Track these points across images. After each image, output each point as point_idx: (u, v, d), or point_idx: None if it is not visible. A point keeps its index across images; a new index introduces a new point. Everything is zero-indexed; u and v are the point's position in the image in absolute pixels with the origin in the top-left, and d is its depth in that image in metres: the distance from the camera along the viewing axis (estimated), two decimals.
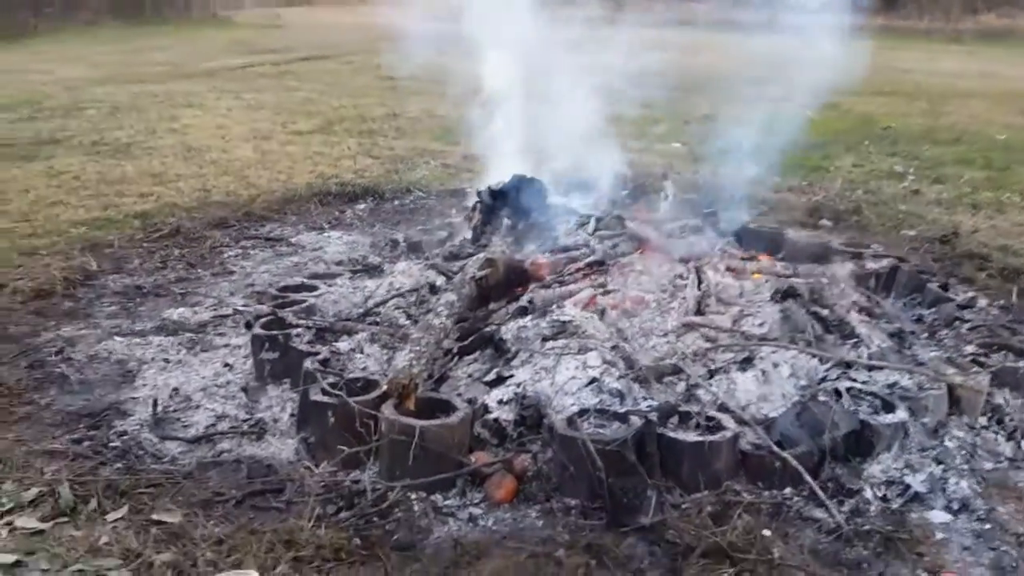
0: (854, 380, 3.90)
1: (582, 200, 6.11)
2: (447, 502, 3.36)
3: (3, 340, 4.79)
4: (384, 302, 4.72)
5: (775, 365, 4.00)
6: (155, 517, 3.20)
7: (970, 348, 4.39)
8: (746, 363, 4.01)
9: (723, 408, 3.68)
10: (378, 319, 4.58)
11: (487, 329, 4.28)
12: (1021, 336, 4.57)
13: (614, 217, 5.43)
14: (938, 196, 8.33)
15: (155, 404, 4.05)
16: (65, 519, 3.19)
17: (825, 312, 4.53)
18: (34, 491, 3.32)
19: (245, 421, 3.97)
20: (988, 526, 3.28)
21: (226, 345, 4.75)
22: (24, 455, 3.61)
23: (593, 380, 3.77)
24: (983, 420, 3.92)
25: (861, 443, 3.57)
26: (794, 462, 3.36)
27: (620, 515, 3.21)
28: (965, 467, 3.59)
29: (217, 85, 15.03)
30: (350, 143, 10.46)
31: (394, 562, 3.02)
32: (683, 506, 3.28)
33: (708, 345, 4.17)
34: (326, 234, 6.96)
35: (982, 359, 4.22)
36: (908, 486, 3.44)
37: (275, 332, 4.28)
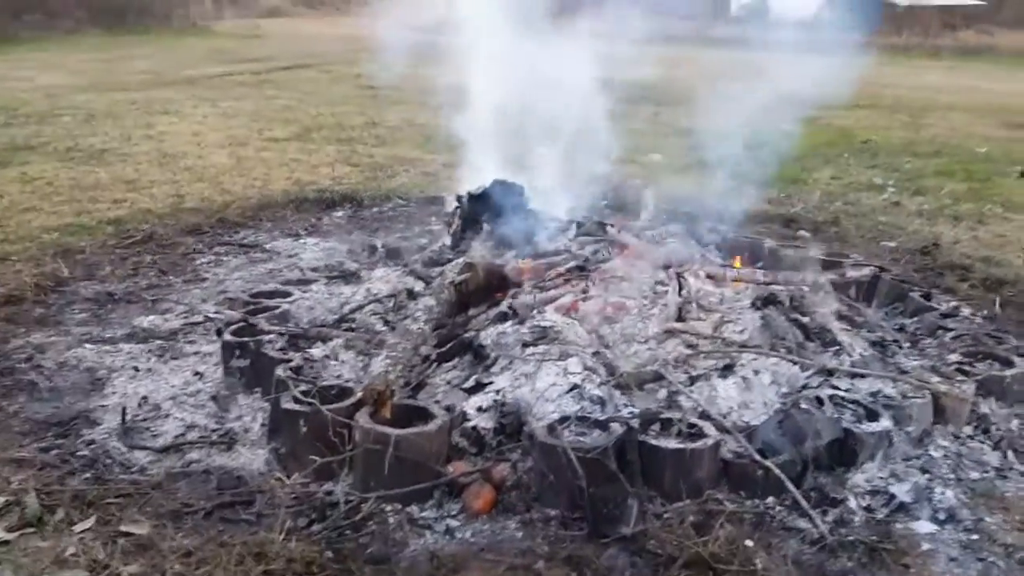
0: (836, 388, 3.85)
1: (562, 207, 6.06)
2: (423, 514, 3.27)
3: None
4: (360, 308, 4.65)
5: (756, 372, 3.95)
6: (123, 528, 3.12)
7: (954, 357, 4.36)
8: (727, 370, 3.96)
9: (705, 415, 3.62)
10: (354, 325, 4.50)
11: (466, 335, 4.21)
12: (1006, 345, 4.54)
13: (595, 223, 5.38)
14: (919, 208, 8.34)
15: (124, 413, 3.95)
16: (31, 530, 3.11)
17: (806, 319, 4.49)
18: (1, 500, 3.24)
19: (215, 431, 3.87)
20: (975, 536, 3.23)
21: (197, 353, 4.65)
22: None
23: (574, 387, 3.70)
24: (968, 429, 3.88)
25: (844, 452, 3.52)
26: (777, 471, 3.30)
27: (601, 525, 3.13)
28: (951, 477, 3.55)
29: (196, 93, 14.93)
30: (329, 150, 10.38)
31: None
32: (665, 515, 3.22)
33: (689, 351, 4.12)
34: (302, 241, 6.87)
35: (967, 368, 4.18)
36: (893, 496, 3.39)
37: (246, 339, 4.18)
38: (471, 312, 4.57)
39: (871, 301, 5.26)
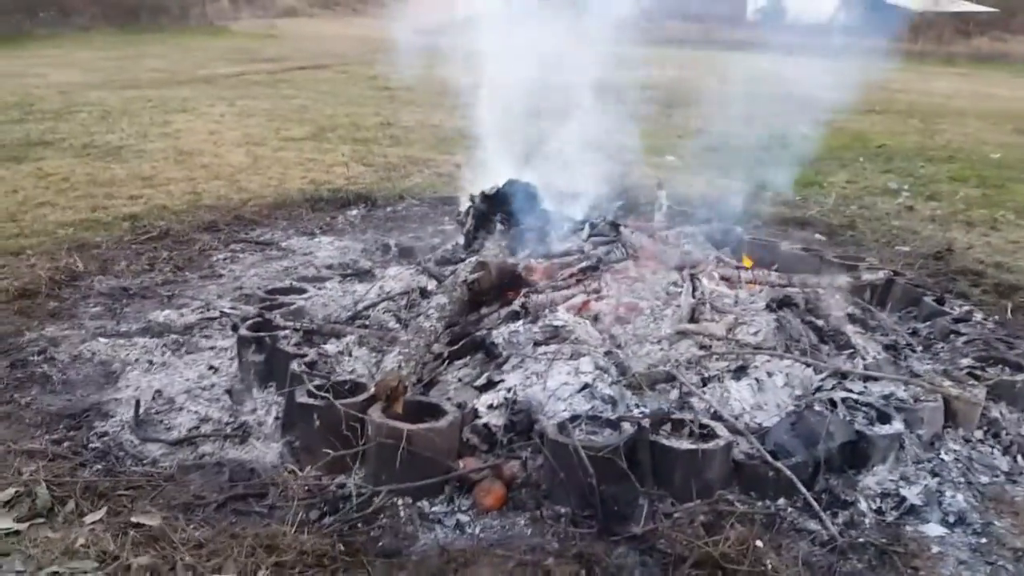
0: (849, 391, 3.85)
1: (575, 208, 6.07)
2: (434, 508, 3.29)
3: None
4: (374, 305, 4.66)
5: (769, 374, 3.95)
6: (134, 520, 3.13)
7: (966, 361, 4.35)
8: (740, 372, 3.96)
9: (717, 416, 3.62)
10: (367, 322, 4.51)
11: (478, 333, 4.22)
12: (1018, 350, 4.53)
13: (608, 223, 5.38)
14: (932, 213, 8.33)
15: (138, 405, 3.97)
16: (42, 520, 3.13)
17: (820, 322, 4.49)
18: (11, 491, 3.25)
19: (228, 424, 3.89)
20: (985, 540, 3.23)
21: (212, 347, 4.68)
22: (2, 455, 3.54)
23: (585, 386, 3.70)
24: (979, 433, 3.87)
25: (856, 454, 3.52)
26: (788, 472, 3.30)
27: (611, 524, 3.14)
28: (961, 480, 3.54)
29: (212, 92, 15.00)
30: (344, 150, 10.41)
31: (378, 569, 2.95)
32: (675, 515, 3.22)
33: (702, 353, 4.12)
34: (317, 239, 6.90)
35: (978, 372, 4.17)
36: (904, 498, 3.39)
37: (261, 334, 4.20)
38: (483, 311, 4.59)
39: (885, 305, 5.26)
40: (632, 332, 4.29)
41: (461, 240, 5.72)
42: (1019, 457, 3.76)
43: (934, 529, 3.27)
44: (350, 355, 4.10)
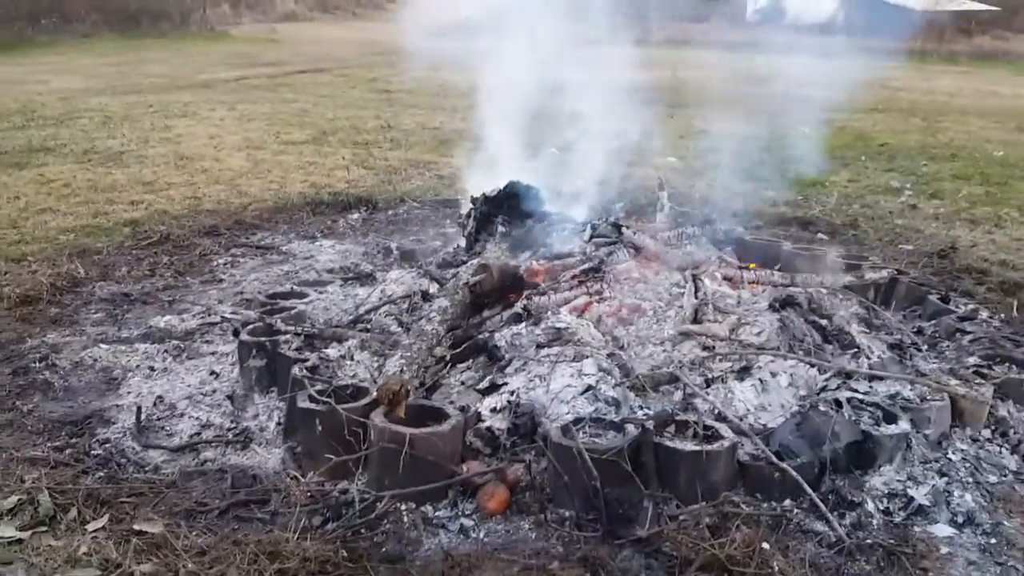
0: (854, 390, 3.82)
1: (577, 209, 6.05)
2: (438, 513, 3.27)
3: None
4: (375, 309, 4.64)
5: (773, 374, 3.92)
6: (136, 527, 3.11)
7: (972, 360, 4.32)
8: (744, 372, 3.93)
9: (721, 418, 3.59)
10: (369, 326, 4.49)
11: (480, 336, 4.20)
12: None
13: (610, 225, 5.35)
14: (936, 211, 8.30)
15: (139, 412, 3.96)
16: (44, 528, 3.12)
17: (824, 322, 4.46)
18: (13, 499, 3.24)
19: (230, 430, 3.88)
20: (994, 540, 3.20)
21: (213, 353, 4.66)
22: (4, 462, 3.53)
23: (588, 388, 3.68)
24: (987, 432, 3.84)
25: (862, 455, 3.49)
26: (794, 473, 3.27)
27: (616, 527, 3.12)
28: (969, 480, 3.51)
29: (212, 96, 15.00)
30: (344, 154, 10.40)
31: (382, 575, 2.93)
32: (680, 518, 3.19)
33: (705, 354, 4.09)
34: (318, 243, 6.88)
35: (985, 371, 4.14)
36: (911, 499, 3.36)
37: (262, 339, 4.18)
38: (485, 313, 4.57)
39: (889, 304, 5.23)
40: (635, 333, 4.27)
41: (462, 242, 5.70)
42: None
43: (942, 530, 3.25)
44: (352, 359, 4.07)
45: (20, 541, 3.03)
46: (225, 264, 6.30)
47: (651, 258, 5.02)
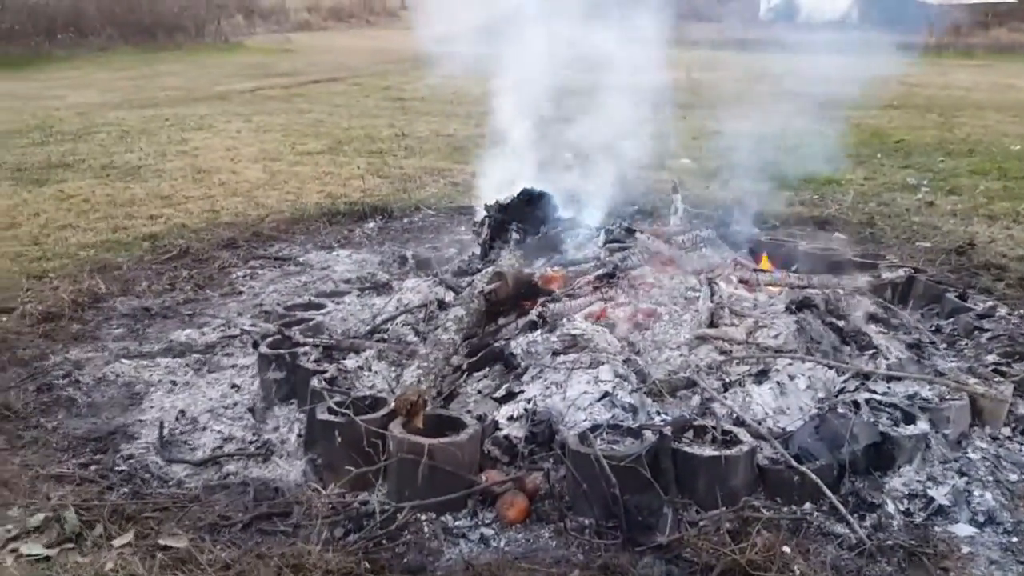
0: (873, 392, 3.82)
1: (591, 215, 6.06)
2: (458, 523, 3.29)
3: (12, 364, 4.76)
4: (392, 319, 4.67)
5: (791, 377, 3.92)
6: (161, 542, 3.15)
7: (991, 358, 4.31)
8: (762, 376, 3.93)
9: (739, 422, 3.60)
10: (386, 336, 4.52)
11: (496, 344, 4.22)
12: None
13: (624, 229, 5.36)
14: (953, 207, 8.25)
15: (162, 427, 4.00)
16: (71, 545, 3.15)
17: (841, 323, 4.45)
18: (40, 517, 3.28)
19: (252, 443, 3.91)
20: (1016, 539, 3.19)
21: (233, 366, 4.70)
22: (30, 480, 3.57)
23: (605, 394, 3.69)
24: (1007, 431, 3.83)
25: (882, 456, 3.49)
26: (813, 476, 3.27)
27: (635, 533, 3.12)
28: (990, 479, 3.50)
29: (228, 108, 15.09)
30: (359, 163, 10.45)
31: None
32: (700, 523, 3.20)
33: (722, 358, 4.09)
34: (335, 253, 6.92)
35: (1004, 369, 4.13)
36: (931, 499, 3.35)
37: (282, 351, 4.22)
38: (501, 321, 4.58)
39: (907, 302, 5.21)
40: (651, 338, 4.28)
41: (477, 250, 5.72)
42: None
43: (963, 529, 3.24)
44: (370, 370, 4.10)
45: (48, 559, 3.06)
46: (244, 276, 6.34)
47: (666, 262, 5.02)
